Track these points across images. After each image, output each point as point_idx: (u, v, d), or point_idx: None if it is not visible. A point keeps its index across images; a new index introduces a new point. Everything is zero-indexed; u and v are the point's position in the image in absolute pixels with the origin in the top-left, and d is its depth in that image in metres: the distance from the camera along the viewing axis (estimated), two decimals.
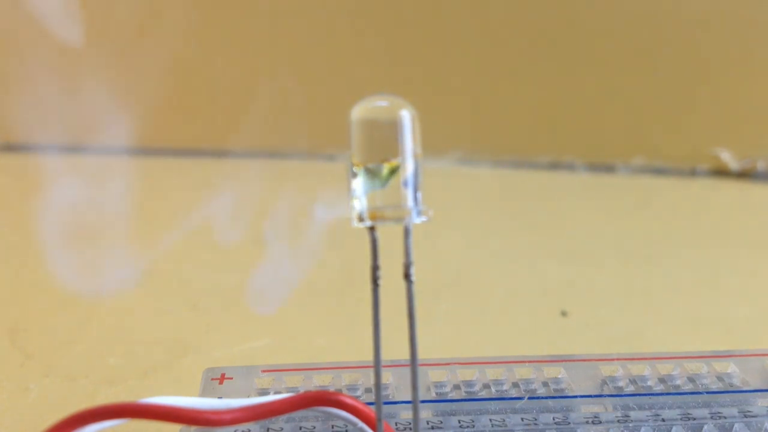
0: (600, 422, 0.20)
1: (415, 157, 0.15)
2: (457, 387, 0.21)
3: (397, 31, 0.49)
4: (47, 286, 0.33)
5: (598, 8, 0.47)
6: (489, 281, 0.34)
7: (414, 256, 0.16)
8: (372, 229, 0.16)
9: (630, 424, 0.19)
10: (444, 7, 0.48)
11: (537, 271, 0.35)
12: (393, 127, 0.15)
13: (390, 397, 0.21)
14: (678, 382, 0.21)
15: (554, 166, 0.50)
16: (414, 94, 0.17)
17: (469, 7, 0.48)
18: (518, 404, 0.20)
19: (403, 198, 0.15)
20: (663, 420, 0.20)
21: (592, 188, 0.47)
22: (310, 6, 0.49)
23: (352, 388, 0.21)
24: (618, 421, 0.20)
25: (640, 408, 0.20)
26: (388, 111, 0.15)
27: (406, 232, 0.16)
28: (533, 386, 0.21)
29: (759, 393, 0.21)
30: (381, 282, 0.16)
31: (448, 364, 0.22)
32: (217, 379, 0.21)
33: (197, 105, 0.52)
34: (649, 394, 0.21)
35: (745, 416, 0.20)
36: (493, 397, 0.21)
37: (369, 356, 0.16)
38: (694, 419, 0.20)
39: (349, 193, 0.16)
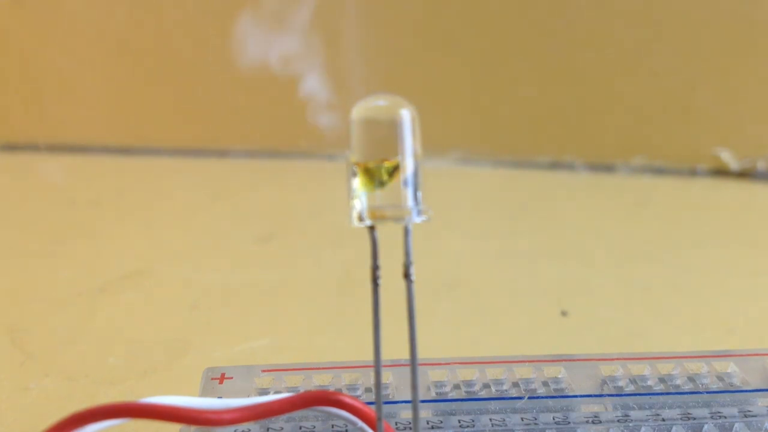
0: (600, 422, 0.20)
1: (415, 156, 0.15)
2: (457, 387, 0.21)
3: (397, 30, 0.49)
4: (47, 286, 0.33)
5: (598, 8, 0.47)
6: (489, 281, 0.34)
7: (414, 256, 0.16)
8: (372, 228, 0.16)
9: (630, 424, 0.19)
10: (444, 6, 0.48)
11: (537, 271, 0.35)
12: (393, 127, 0.15)
13: (390, 396, 0.21)
14: (678, 381, 0.21)
15: (554, 166, 0.50)
16: (414, 94, 0.17)
17: (470, 6, 0.48)
18: (518, 404, 0.20)
19: (403, 197, 0.15)
20: (663, 420, 0.20)
21: (592, 188, 0.47)
22: (310, 5, 0.49)
23: (352, 388, 0.21)
24: (618, 420, 0.20)
25: (640, 408, 0.20)
26: (388, 110, 0.15)
27: (406, 232, 0.16)
28: (533, 386, 0.21)
29: (759, 393, 0.21)
30: (381, 282, 0.16)
31: (448, 363, 0.22)
32: (217, 379, 0.21)
33: (197, 105, 0.52)
34: (649, 394, 0.21)
35: (745, 416, 0.20)
36: (493, 396, 0.21)
37: (369, 356, 0.16)
38: (694, 419, 0.20)
39: (348, 192, 0.15)
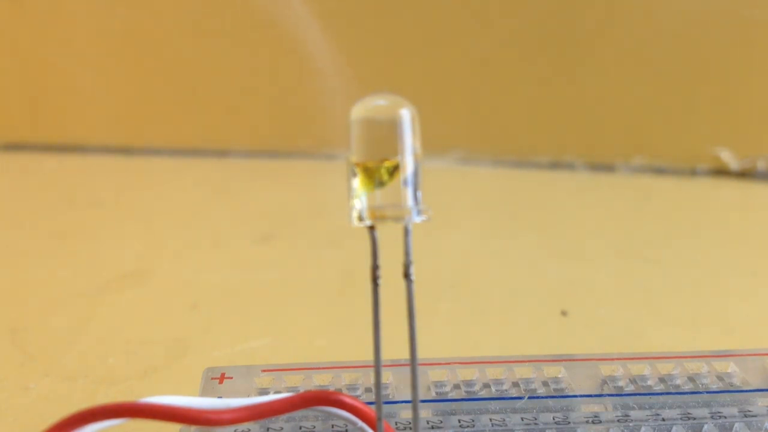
0: (600, 422, 0.20)
1: (415, 156, 0.15)
2: (457, 386, 0.21)
3: (397, 30, 0.49)
4: (47, 286, 0.33)
5: (598, 8, 0.47)
6: (489, 281, 0.34)
7: (414, 256, 0.16)
8: (372, 228, 0.16)
9: (630, 424, 0.19)
10: (444, 6, 0.48)
11: (537, 271, 0.35)
12: (393, 126, 0.15)
13: (390, 396, 0.21)
14: (678, 381, 0.21)
15: (554, 166, 0.50)
16: (414, 94, 0.17)
17: (469, 6, 0.48)
18: (518, 404, 0.20)
19: (403, 197, 0.15)
20: (663, 420, 0.20)
21: (592, 188, 0.47)
22: (309, 5, 0.49)
23: (352, 387, 0.21)
24: (618, 420, 0.20)
25: (640, 408, 0.20)
26: (388, 110, 0.15)
27: (406, 232, 0.16)
28: (533, 386, 0.21)
29: (759, 393, 0.21)
30: (381, 282, 0.16)
31: (448, 363, 0.22)
32: (217, 379, 0.21)
33: (197, 105, 0.52)
34: (649, 394, 0.21)
35: (745, 416, 0.20)
36: (493, 396, 0.21)
37: (369, 356, 0.16)
38: (694, 419, 0.20)
39: (348, 192, 0.15)
